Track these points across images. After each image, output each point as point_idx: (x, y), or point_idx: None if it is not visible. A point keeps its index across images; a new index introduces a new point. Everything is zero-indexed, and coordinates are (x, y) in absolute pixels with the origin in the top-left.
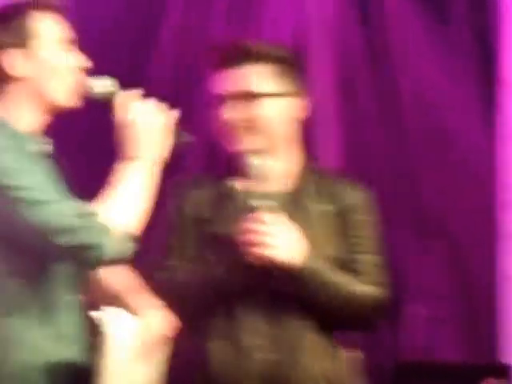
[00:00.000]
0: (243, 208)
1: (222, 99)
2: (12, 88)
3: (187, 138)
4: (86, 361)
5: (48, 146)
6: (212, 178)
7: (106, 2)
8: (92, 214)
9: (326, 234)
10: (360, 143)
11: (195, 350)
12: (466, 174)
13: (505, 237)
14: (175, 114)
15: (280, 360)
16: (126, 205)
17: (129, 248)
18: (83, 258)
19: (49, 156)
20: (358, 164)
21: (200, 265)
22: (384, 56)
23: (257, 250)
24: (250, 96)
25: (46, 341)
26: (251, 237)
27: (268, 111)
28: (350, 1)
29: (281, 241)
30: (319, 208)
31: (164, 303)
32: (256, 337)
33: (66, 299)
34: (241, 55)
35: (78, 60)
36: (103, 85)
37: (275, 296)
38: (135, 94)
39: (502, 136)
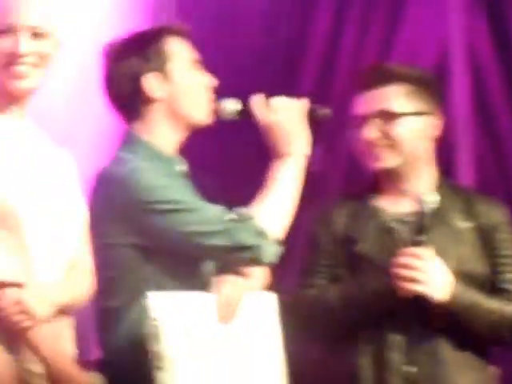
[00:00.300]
0: (385, 228)
1: (363, 119)
2: (151, 110)
3: (323, 111)
4: None
5: (186, 166)
6: (353, 196)
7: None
8: (248, 217)
9: (472, 251)
10: (495, 164)
11: (343, 366)
12: None
13: None
14: (304, 101)
15: (424, 374)
16: (279, 206)
17: (279, 250)
18: (239, 259)
19: (188, 175)
20: (492, 183)
21: (345, 284)
22: None
23: (408, 285)
24: (390, 115)
25: None
26: (404, 271)
27: (406, 130)
28: (487, 27)
29: (431, 277)
30: (463, 225)
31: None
32: (401, 353)
33: None
34: (381, 77)
35: (208, 80)
36: (233, 104)
37: (423, 318)
38: (262, 97)
39: None
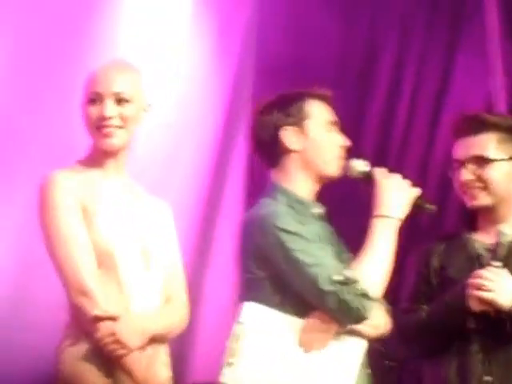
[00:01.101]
0: (474, 255)
1: (461, 163)
2: (288, 160)
3: (430, 207)
4: None
5: (322, 211)
6: (452, 233)
7: None
8: (353, 280)
9: None
10: None
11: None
12: None
13: None
14: (418, 190)
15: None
16: (378, 266)
17: (368, 306)
18: (344, 318)
19: (324, 219)
20: None
21: (438, 306)
22: None
23: (479, 294)
24: (483, 160)
25: None
26: (475, 281)
27: (498, 173)
28: None
29: (501, 285)
30: None
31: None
32: (480, 363)
33: None
34: (476, 125)
35: (341, 140)
36: (362, 165)
37: (498, 333)
38: (385, 171)
39: None
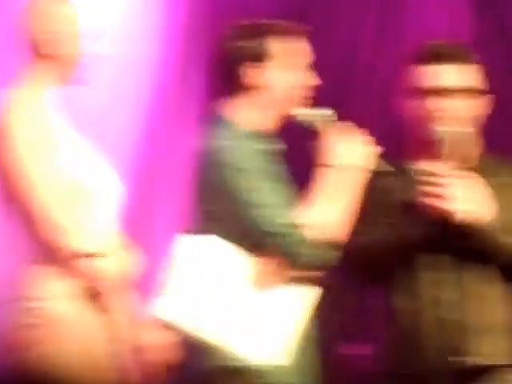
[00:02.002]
0: (417, 181)
1: (423, 92)
2: (245, 95)
3: (386, 167)
4: None
5: (275, 146)
6: (395, 160)
7: None
8: (296, 225)
9: (506, 202)
10: None
11: (385, 302)
12: None
13: None
14: (377, 149)
15: (468, 308)
16: (327, 212)
17: (330, 255)
18: (284, 260)
19: (276, 153)
20: None
21: (388, 227)
22: None
23: (435, 202)
24: (467, 92)
25: None
26: (431, 189)
27: (463, 104)
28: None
29: (462, 194)
30: (503, 178)
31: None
32: (448, 289)
33: None
34: (457, 53)
35: (305, 79)
36: (322, 115)
37: (455, 250)
38: (346, 126)
39: None
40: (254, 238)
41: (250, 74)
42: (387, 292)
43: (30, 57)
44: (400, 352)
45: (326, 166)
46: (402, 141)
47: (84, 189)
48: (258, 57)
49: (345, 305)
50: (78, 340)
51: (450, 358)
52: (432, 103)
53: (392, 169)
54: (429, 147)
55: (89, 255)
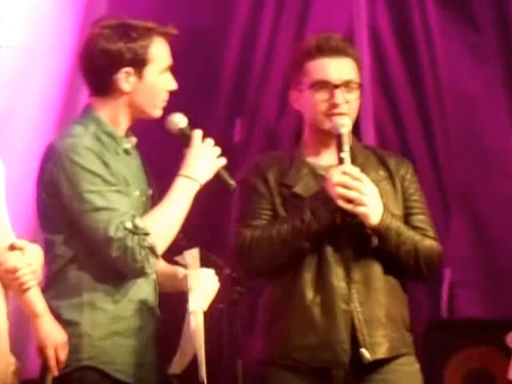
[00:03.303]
0: (316, 175)
1: (326, 84)
2: (114, 96)
3: (231, 182)
4: None
5: (132, 145)
6: (280, 153)
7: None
8: (144, 231)
9: (389, 196)
10: (393, 128)
11: (289, 297)
12: (493, 161)
13: None
14: (224, 160)
15: (361, 299)
16: (171, 225)
17: (155, 262)
18: (125, 266)
19: (134, 153)
20: (391, 143)
21: (287, 219)
22: (420, 57)
23: (349, 206)
24: (353, 85)
25: None
26: (346, 192)
27: (355, 97)
28: (387, 11)
29: (367, 197)
30: (380, 174)
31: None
32: (340, 280)
33: None
34: (344, 48)
35: (172, 84)
36: (180, 121)
37: (356, 244)
38: (199, 133)
39: None
40: (96, 242)
41: (127, 77)
42: (285, 285)
43: None
44: (294, 343)
45: (179, 175)
46: (299, 134)
47: None
48: (139, 61)
49: (236, 298)
50: None
51: (346, 349)
52: (320, 97)
53: (233, 182)
54: (321, 140)
55: (17, 248)
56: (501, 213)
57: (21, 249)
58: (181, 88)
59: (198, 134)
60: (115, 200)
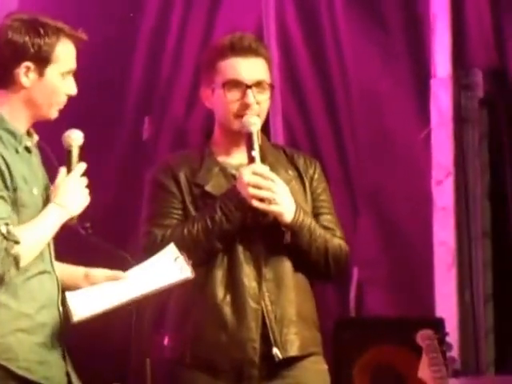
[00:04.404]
0: (227, 174)
1: (237, 83)
2: (13, 90)
3: (74, 220)
4: None
5: (33, 142)
6: (188, 152)
7: None
8: (14, 238)
9: (298, 195)
10: (302, 125)
11: (199, 295)
12: (403, 158)
13: (437, 209)
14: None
15: (272, 297)
16: (33, 239)
17: (12, 272)
18: None
19: (35, 150)
20: (300, 141)
21: (193, 220)
22: (328, 56)
23: (262, 205)
24: (264, 86)
25: None
26: (259, 192)
27: (266, 98)
28: (295, 7)
29: (282, 197)
30: (289, 174)
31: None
32: (250, 279)
33: None
34: (255, 47)
35: (72, 88)
36: (73, 140)
37: (268, 242)
38: (83, 167)
39: (434, 124)
40: None
41: (27, 72)
42: (196, 283)
43: None
44: (205, 342)
45: (60, 206)
46: (209, 132)
47: None
48: (42, 58)
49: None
50: None
51: (256, 348)
52: (231, 97)
53: (75, 222)
54: (232, 139)
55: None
56: (408, 212)
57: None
58: (89, 85)
59: (81, 166)
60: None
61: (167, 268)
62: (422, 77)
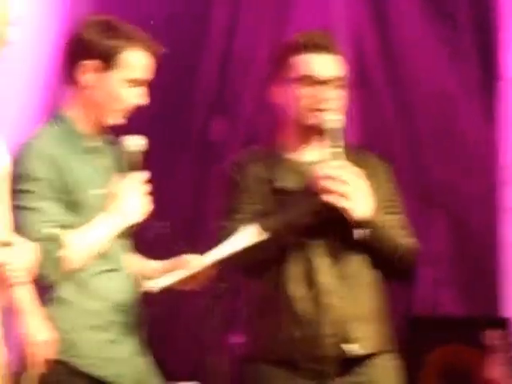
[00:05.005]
0: (299, 171)
1: (314, 79)
2: (80, 90)
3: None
4: None
5: (100, 143)
6: (262, 150)
7: None
8: (61, 242)
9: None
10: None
11: (274, 292)
12: (469, 158)
13: (504, 209)
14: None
15: (345, 294)
16: (84, 244)
17: (56, 275)
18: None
19: (102, 152)
20: (374, 141)
21: (267, 216)
22: (397, 55)
23: (334, 199)
24: (339, 81)
25: None
26: (331, 184)
27: (340, 95)
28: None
29: (352, 192)
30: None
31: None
32: (325, 275)
33: None
34: (330, 44)
35: (139, 98)
36: (133, 145)
37: (341, 239)
38: (144, 176)
39: (501, 124)
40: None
41: (91, 71)
42: (270, 280)
43: None
44: (279, 338)
45: (111, 209)
46: (279, 130)
47: None
48: (107, 59)
49: (219, 294)
50: None
51: (331, 343)
52: (305, 92)
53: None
54: (304, 135)
55: (5, 243)
56: (477, 211)
57: (8, 244)
58: (160, 86)
59: (140, 174)
60: (49, 205)
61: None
62: (489, 76)
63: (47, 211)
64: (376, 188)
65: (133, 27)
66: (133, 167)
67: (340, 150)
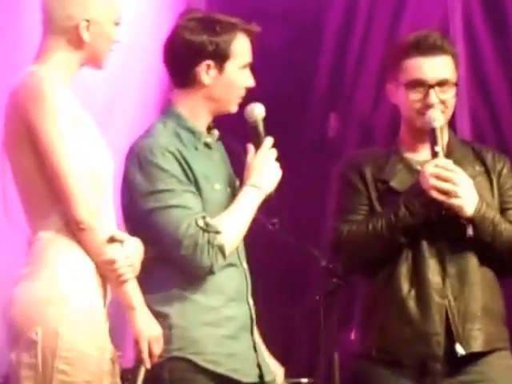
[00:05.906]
0: (412, 170)
1: (422, 83)
2: (194, 89)
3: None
4: None
5: (213, 139)
6: (376, 149)
7: None
8: (215, 230)
9: (485, 190)
10: (489, 120)
11: (384, 291)
12: None
13: None
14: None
15: (455, 292)
16: (238, 230)
17: (220, 262)
18: (194, 264)
19: (216, 147)
20: (487, 136)
21: (378, 216)
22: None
23: (444, 197)
24: (448, 84)
25: None
26: (440, 183)
27: (450, 96)
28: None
29: (464, 190)
30: (476, 169)
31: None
32: (435, 274)
33: None
34: (440, 46)
35: (250, 81)
36: (258, 113)
37: (452, 237)
38: (270, 141)
39: None
40: (167, 240)
41: (207, 70)
42: (381, 279)
43: (59, 39)
44: (389, 336)
45: (247, 184)
46: (396, 130)
47: (98, 173)
48: (221, 55)
49: (333, 290)
50: (85, 320)
51: (441, 342)
52: (415, 96)
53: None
54: (417, 135)
55: (117, 240)
56: None
57: (120, 241)
58: (276, 83)
59: (269, 140)
60: (188, 199)
61: None
62: None
63: (191, 205)
64: (493, 184)
65: (227, 16)
66: (259, 135)
67: (444, 149)
